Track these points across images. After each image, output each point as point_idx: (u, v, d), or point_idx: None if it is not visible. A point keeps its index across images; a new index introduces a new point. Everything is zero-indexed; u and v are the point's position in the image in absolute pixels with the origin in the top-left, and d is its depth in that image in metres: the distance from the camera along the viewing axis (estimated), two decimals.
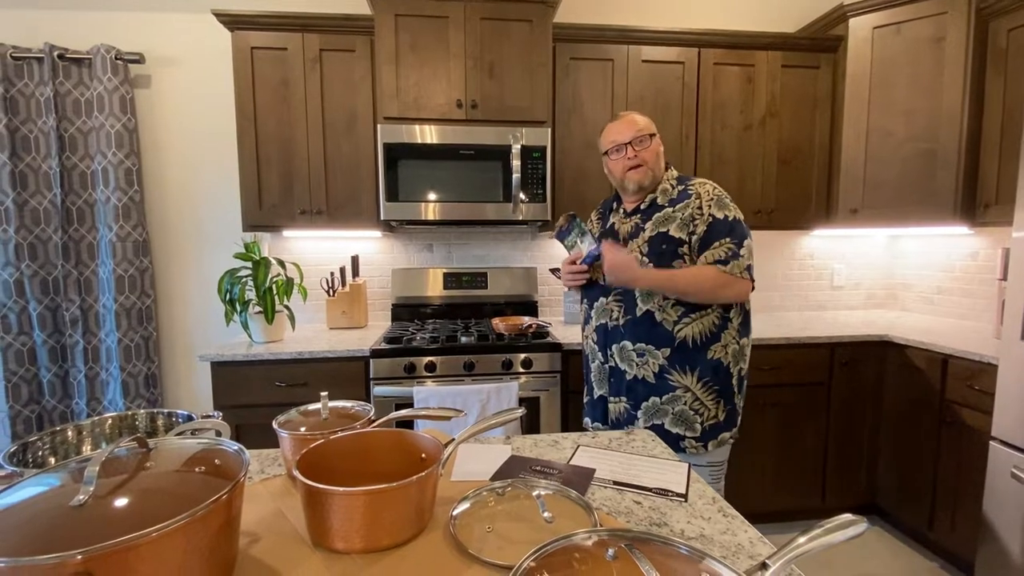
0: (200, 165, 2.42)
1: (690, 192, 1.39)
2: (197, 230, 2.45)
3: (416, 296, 2.48)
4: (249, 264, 2.07)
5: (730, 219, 1.35)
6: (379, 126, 2.06)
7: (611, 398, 1.47)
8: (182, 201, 2.43)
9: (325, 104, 2.12)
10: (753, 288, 1.38)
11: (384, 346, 1.95)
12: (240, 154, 2.10)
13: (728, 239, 1.34)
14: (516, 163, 2.07)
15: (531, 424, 1.99)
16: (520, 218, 2.15)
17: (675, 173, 1.46)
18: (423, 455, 0.76)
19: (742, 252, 1.33)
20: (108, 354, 2.32)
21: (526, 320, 2.21)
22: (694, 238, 1.35)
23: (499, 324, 2.12)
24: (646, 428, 1.38)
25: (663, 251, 1.37)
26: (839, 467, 2.21)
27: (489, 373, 1.95)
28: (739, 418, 1.43)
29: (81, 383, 2.32)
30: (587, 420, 1.55)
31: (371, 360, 1.91)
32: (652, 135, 1.42)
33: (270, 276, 2.08)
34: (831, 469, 2.21)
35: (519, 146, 2.08)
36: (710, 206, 1.36)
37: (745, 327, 1.42)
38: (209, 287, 2.45)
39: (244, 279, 2.04)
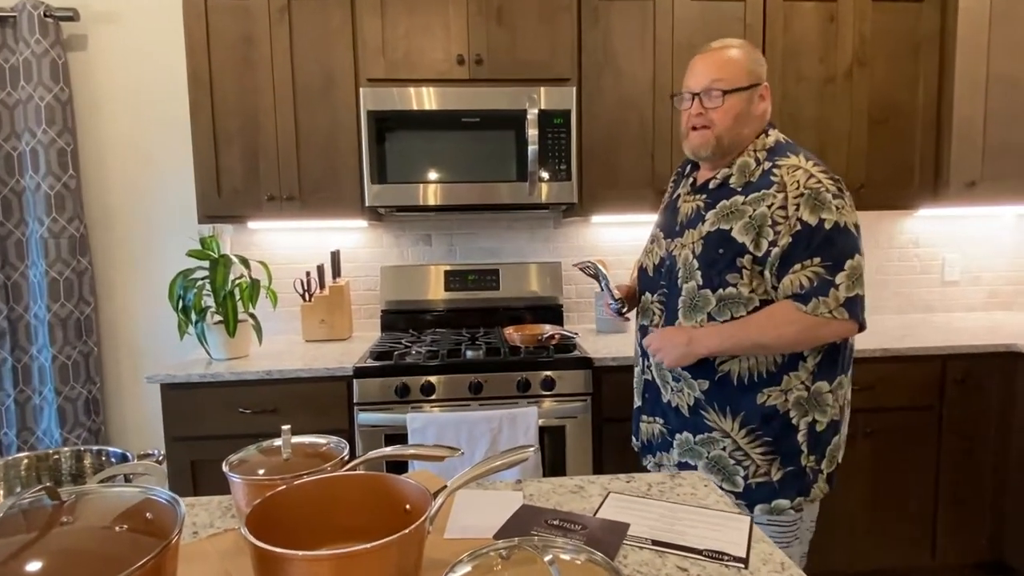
0: (147, 143, 2.46)
1: (774, 178, 1.24)
2: (144, 222, 2.49)
3: (411, 300, 2.48)
4: (206, 263, 2.09)
5: (826, 226, 1.18)
6: (362, 90, 2.07)
7: (644, 415, 1.49)
8: (126, 187, 2.47)
9: (296, 65, 2.13)
10: (862, 329, 1.23)
11: (371, 363, 1.95)
12: (194, 129, 2.13)
13: (818, 259, 1.19)
14: (533, 132, 2.05)
15: (554, 461, 1.96)
16: (539, 201, 2.13)
17: (770, 141, 1.31)
18: (407, 506, 0.75)
19: (838, 280, 1.18)
20: (41, 374, 2.37)
21: (547, 329, 2.18)
22: (775, 251, 1.22)
23: (513, 334, 2.11)
24: (681, 462, 1.40)
25: (717, 257, 1.27)
26: (954, 514, 2.14)
27: (501, 396, 1.93)
28: (814, 485, 1.31)
29: (10, 409, 2.38)
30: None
31: (355, 380, 1.92)
32: (734, 90, 1.27)
33: (232, 277, 2.10)
34: (944, 516, 2.14)
35: (537, 110, 2.06)
36: (798, 205, 1.20)
37: (828, 369, 1.29)
38: (159, 292, 2.49)
39: (200, 282, 2.07)
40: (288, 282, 2.51)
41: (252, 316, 2.14)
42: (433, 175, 2.11)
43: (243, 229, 2.50)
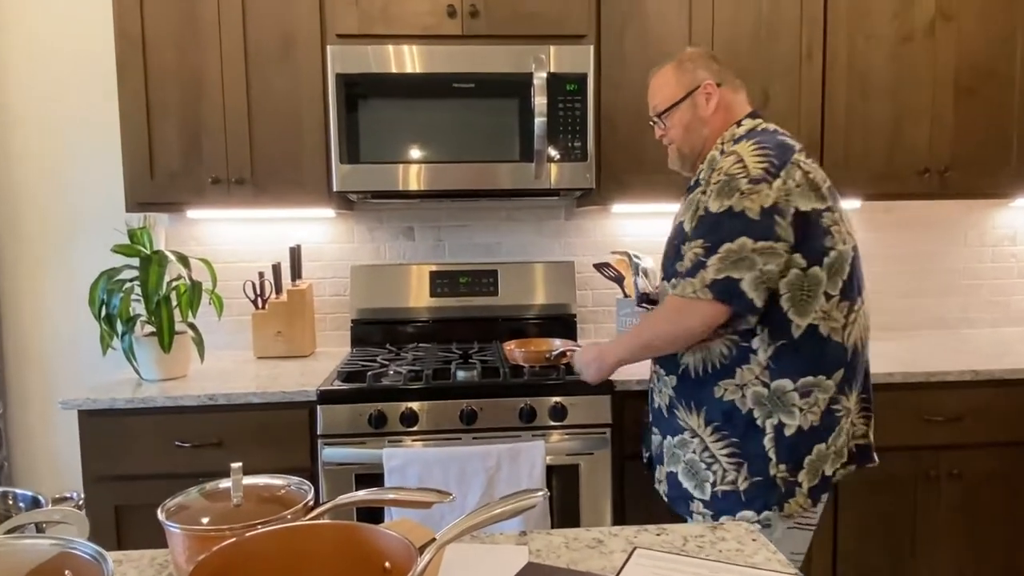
0: (66, 114, 2.47)
1: (715, 166, 1.52)
2: (60, 211, 2.49)
3: (388, 308, 2.49)
4: (135, 261, 2.10)
5: (719, 210, 1.43)
6: (329, 48, 2.07)
7: (653, 427, 1.71)
8: (37, 168, 2.48)
9: (248, 16, 2.14)
10: (736, 315, 1.42)
11: (339, 385, 1.95)
12: (122, 96, 2.14)
13: (700, 242, 1.45)
14: (541, 100, 2.05)
15: (565, 508, 1.97)
16: (548, 186, 2.14)
17: (740, 131, 1.57)
18: (387, 564, 0.75)
19: (709, 262, 1.41)
20: None
21: (557, 344, 2.19)
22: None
23: (515, 351, 2.11)
24: (668, 472, 1.62)
25: (672, 249, 1.57)
26: None
27: (500, 428, 1.94)
28: (789, 499, 1.46)
29: None
30: None
31: (319, 407, 1.92)
32: (668, 108, 1.63)
33: (167, 279, 2.11)
34: None
35: (545, 74, 2.07)
36: (712, 193, 1.46)
37: (786, 366, 1.44)
38: (78, 296, 2.50)
39: (128, 284, 2.07)
40: (237, 285, 2.51)
41: (192, 327, 2.14)
42: (417, 153, 2.11)
43: (182, 219, 2.51)
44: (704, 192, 1.49)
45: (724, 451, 1.49)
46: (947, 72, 2.30)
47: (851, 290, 1.47)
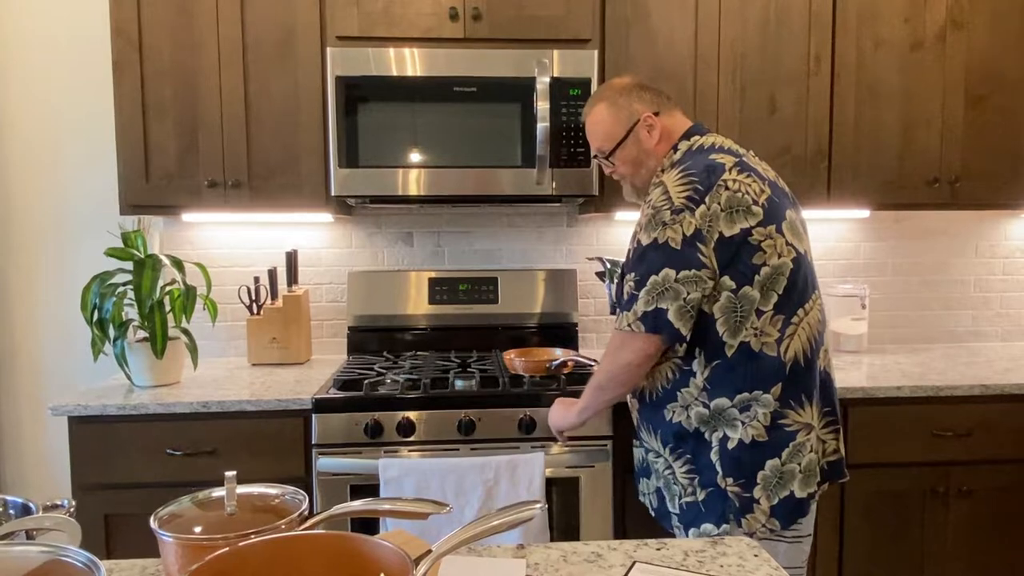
0: (59, 114, 2.48)
1: (649, 195, 1.57)
2: (53, 213, 2.51)
3: (386, 315, 2.50)
4: (129, 265, 2.11)
5: (645, 243, 1.50)
6: (329, 50, 2.09)
7: (634, 439, 1.75)
8: (30, 169, 2.49)
9: (247, 17, 2.16)
10: (669, 346, 1.49)
11: (335, 394, 1.96)
12: (117, 96, 2.15)
13: (632, 275, 1.51)
14: (543, 105, 2.06)
15: (565, 522, 1.97)
16: (550, 192, 2.15)
17: (677, 156, 1.60)
18: (382, 575, 0.76)
19: (640, 295, 1.48)
20: None
21: (558, 354, 2.19)
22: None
23: (515, 360, 2.12)
24: (656, 487, 1.67)
25: (620, 280, 1.60)
26: None
27: (499, 439, 1.94)
28: (748, 515, 1.48)
29: None
30: None
31: (314, 416, 1.93)
32: (614, 149, 1.66)
33: (161, 283, 2.12)
34: None
35: (548, 78, 2.08)
36: (642, 227, 1.52)
37: (722, 387, 1.48)
38: (69, 300, 2.51)
39: (121, 288, 2.08)
40: (231, 290, 2.52)
41: (186, 332, 2.15)
42: (416, 158, 2.12)
43: (176, 223, 2.52)
44: (639, 224, 1.55)
45: (683, 468, 1.55)
46: (957, 80, 2.31)
47: (788, 303, 1.47)
